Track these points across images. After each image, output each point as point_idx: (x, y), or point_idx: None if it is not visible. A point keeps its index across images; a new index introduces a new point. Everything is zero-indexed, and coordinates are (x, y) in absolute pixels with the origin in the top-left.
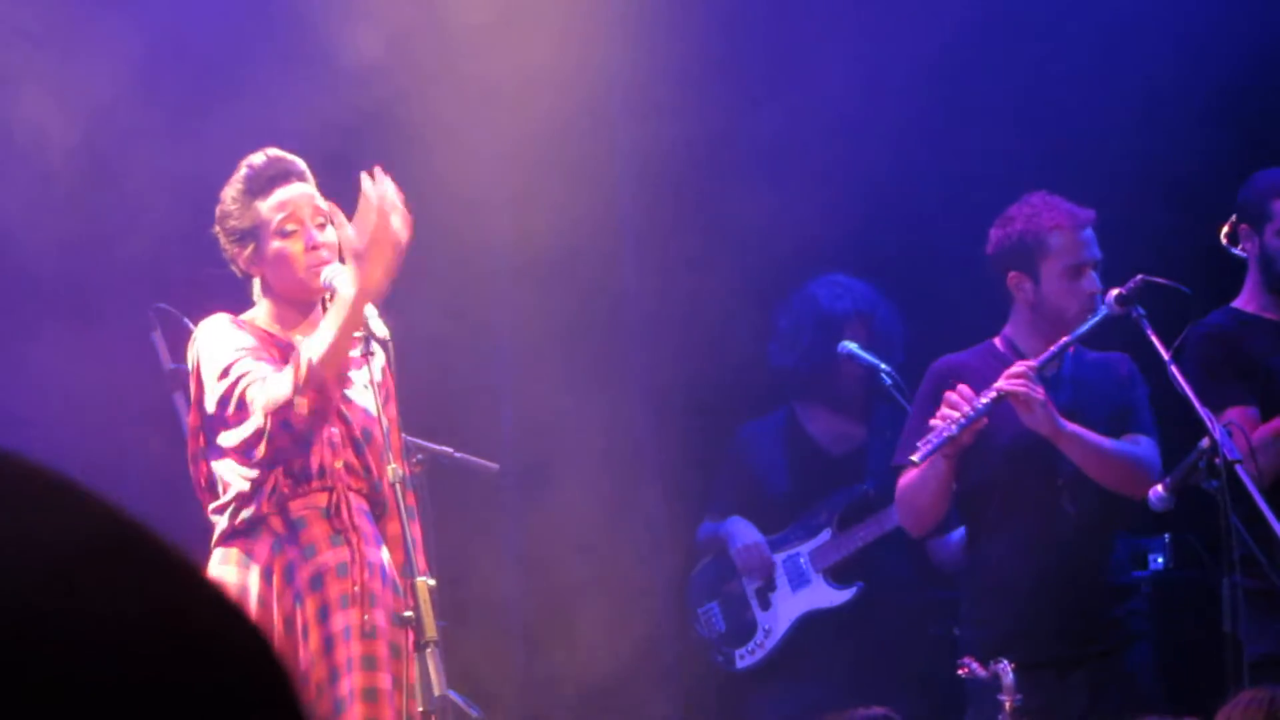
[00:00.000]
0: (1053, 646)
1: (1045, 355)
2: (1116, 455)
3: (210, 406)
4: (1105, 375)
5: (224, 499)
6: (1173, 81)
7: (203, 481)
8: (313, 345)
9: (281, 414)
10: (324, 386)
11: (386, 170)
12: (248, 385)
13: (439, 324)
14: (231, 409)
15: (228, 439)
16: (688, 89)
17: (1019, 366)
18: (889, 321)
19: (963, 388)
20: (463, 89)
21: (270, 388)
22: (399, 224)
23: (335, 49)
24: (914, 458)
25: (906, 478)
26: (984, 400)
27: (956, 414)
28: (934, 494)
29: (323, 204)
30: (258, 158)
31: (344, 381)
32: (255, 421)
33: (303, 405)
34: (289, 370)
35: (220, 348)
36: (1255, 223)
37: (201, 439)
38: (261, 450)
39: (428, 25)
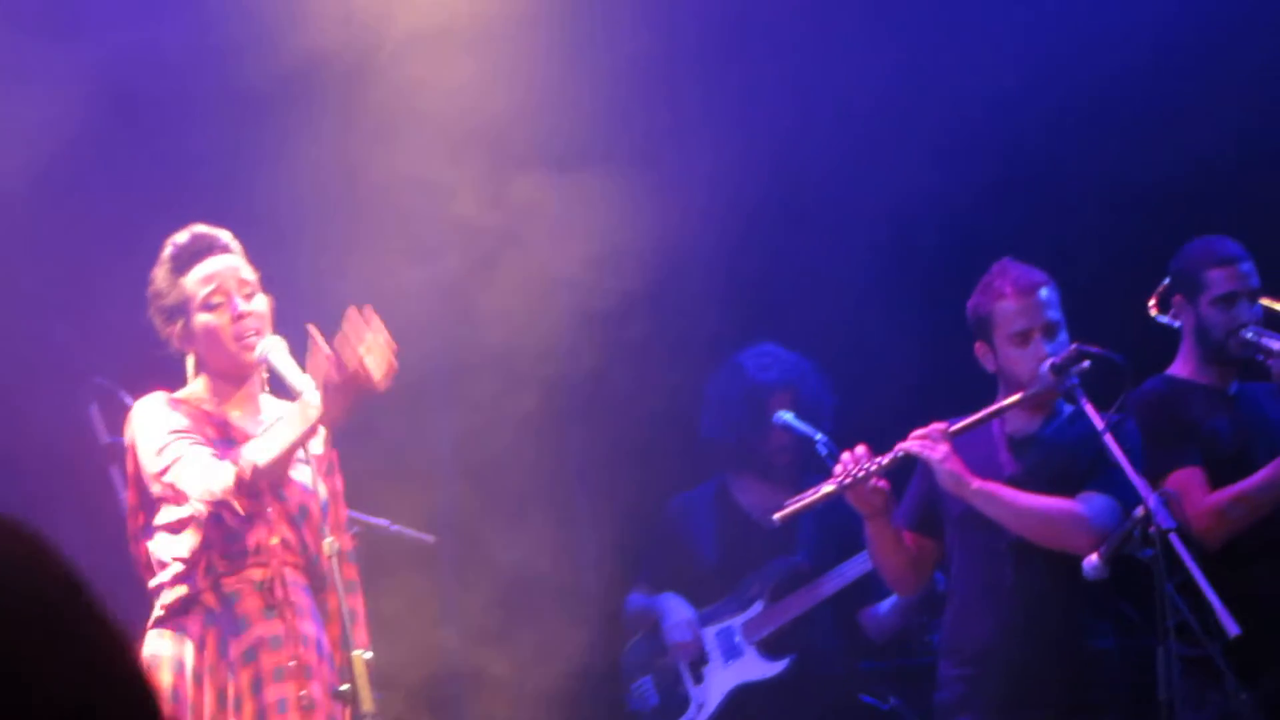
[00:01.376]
0: (991, 710)
1: (964, 421)
2: (1037, 512)
3: (146, 487)
4: (1082, 433)
5: (160, 578)
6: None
7: (142, 559)
8: (257, 451)
9: (214, 507)
10: (260, 493)
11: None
12: (182, 471)
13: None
14: (167, 493)
15: (163, 519)
16: (618, 175)
17: (928, 428)
18: (817, 391)
19: (860, 448)
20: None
21: (207, 479)
22: (377, 367)
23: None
24: (776, 516)
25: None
26: (880, 460)
27: (841, 473)
28: (882, 555)
29: (249, 274)
30: (181, 235)
31: (282, 484)
32: (189, 509)
33: (238, 505)
34: (228, 468)
35: (155, 429)
36: (1189, 292)
37: (140, 518)
38: (192, 537)
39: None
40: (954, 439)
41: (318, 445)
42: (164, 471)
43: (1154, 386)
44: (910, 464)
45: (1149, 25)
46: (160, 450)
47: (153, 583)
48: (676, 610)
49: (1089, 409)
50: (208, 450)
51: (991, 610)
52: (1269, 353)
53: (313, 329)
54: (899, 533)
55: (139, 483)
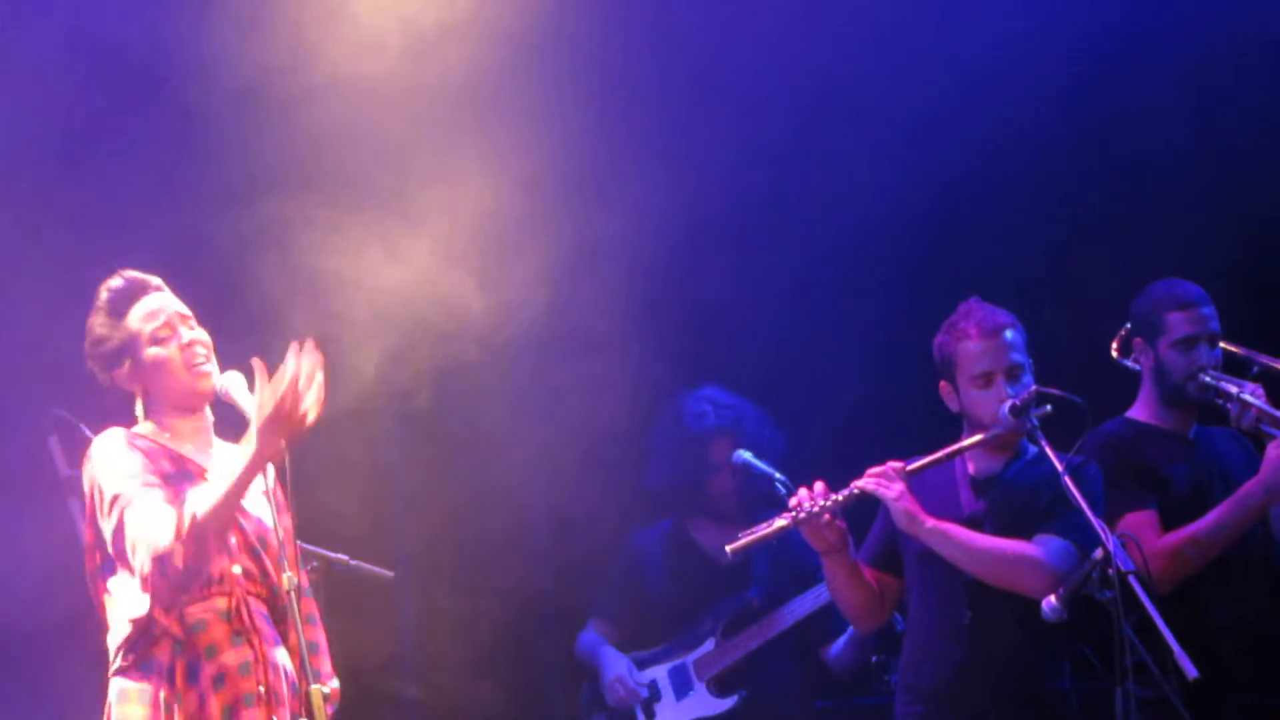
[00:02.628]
0: None
1: (921, 461)
2: (991, 552)
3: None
4: (1043, 475)
5: (119, 615)
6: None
7: (99, 597)
8: (199, 500)
9: (159, 560)
10: (204, 541)
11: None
12: (130, 525)
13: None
14: (117, 545)
15: (118, 568)
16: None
17: (884, 466)
18: (758, 432)
19: (816, 485)
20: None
21: (152, 532)
22: (312, 402)
23: None
24: (728, 548)
25: None
26: (835, 497)
27: (796, 508)
28: (842, 591)
29: (184, 309)
30: (115, 281)
31: (228, 529)
32: (137, 562)
33: (179, 556)
34: (172, 517)
35: (110, 475)
36: (1149, 335)
37: (98, 556)
38: (142, 588)
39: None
40: (911, 477)
41: (270, 481)
42: (118, 525)
43: (1113, 429)
44: (872, 502)
45: (1107, 57)
46: (113, 500)
47: (111, 618)
48: (611, 665)
49: (1049, 451)
50: (156, 498)
51: (948, 648)
52: (1227, 396)
53: (257, 362)
54: (858, 569)
55: (95, 522)
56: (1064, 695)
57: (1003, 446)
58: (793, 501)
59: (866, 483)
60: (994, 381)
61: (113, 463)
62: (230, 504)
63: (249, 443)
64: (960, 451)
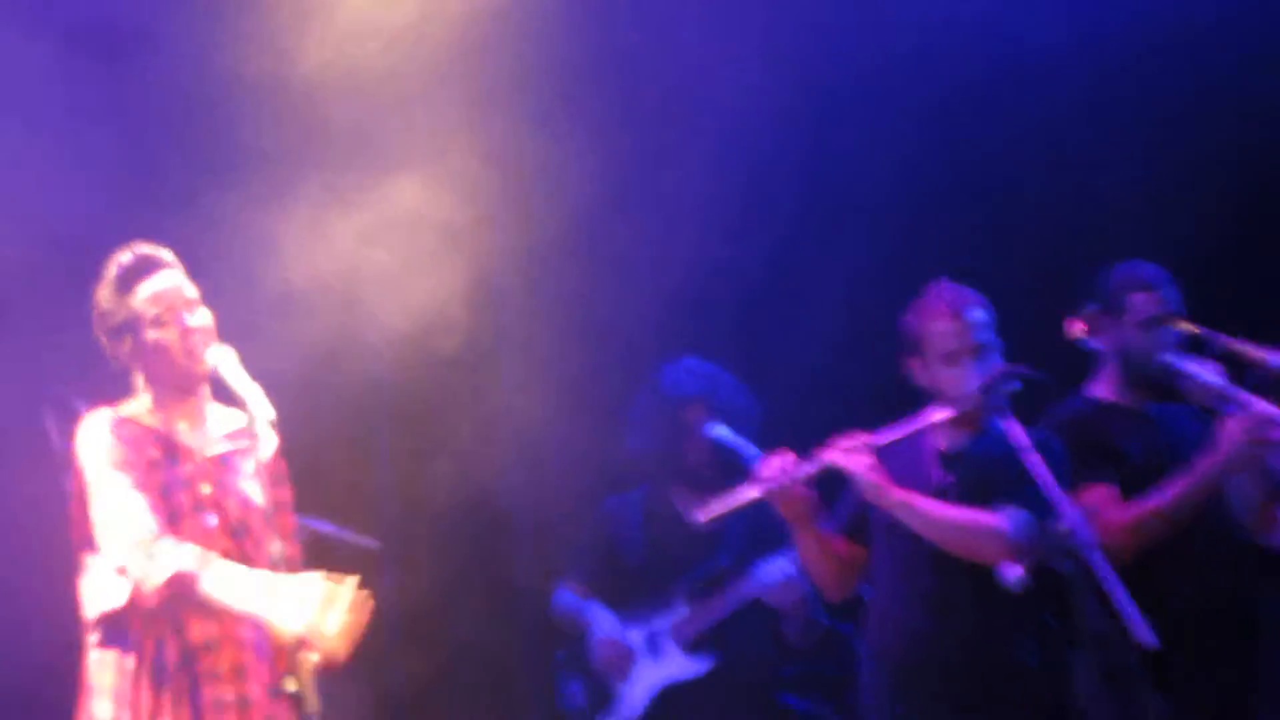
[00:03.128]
0: (909, 713)
1: (889, 434)
2: (951, 523)
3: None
4: (1009, 450)
5: (93, 589)
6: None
7: (83, 567)
8: (212, 581)
9: (132, 577)
10: (178, 595)
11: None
12: (107, 531)
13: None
14: (96, 534)
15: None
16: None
17: (852, 439)
18: (733, 400)
19: (785, 455)
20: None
21: (131, 559)
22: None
23: None
24: (700, 515)
25: None
26: (807, 467)
27: (766, 478)
28: (811, 560)
29: (192, 292)
30: (125, 256)
31: (227, 470)
32: (112, 561)
33: (153, 596)
34: (155, 565)
35: (95, 467)
36: (1113, 314)
37: (84, 528)
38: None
39: None
40: (880, 451)
41: (266, 455)
42: (95, 524)
43: (1075, 406)
44: (841, 473)
45: (1076, 49)
46: (90, 498)
47: (87, 591)
48: (602, 627)
49: (1014, 427)
50: (139, 502)
51: (914, 617)
52: (1187, 376)
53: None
54: (827, 539)
55: (82, 498)
56: (1030, 670)
57: (970, 422)
58: (763, 472)
59: (835, 455)
60: (961, 360)
61: (97, 454)
62: (217, 604)
63: (271, 597)
64: (928, 427)
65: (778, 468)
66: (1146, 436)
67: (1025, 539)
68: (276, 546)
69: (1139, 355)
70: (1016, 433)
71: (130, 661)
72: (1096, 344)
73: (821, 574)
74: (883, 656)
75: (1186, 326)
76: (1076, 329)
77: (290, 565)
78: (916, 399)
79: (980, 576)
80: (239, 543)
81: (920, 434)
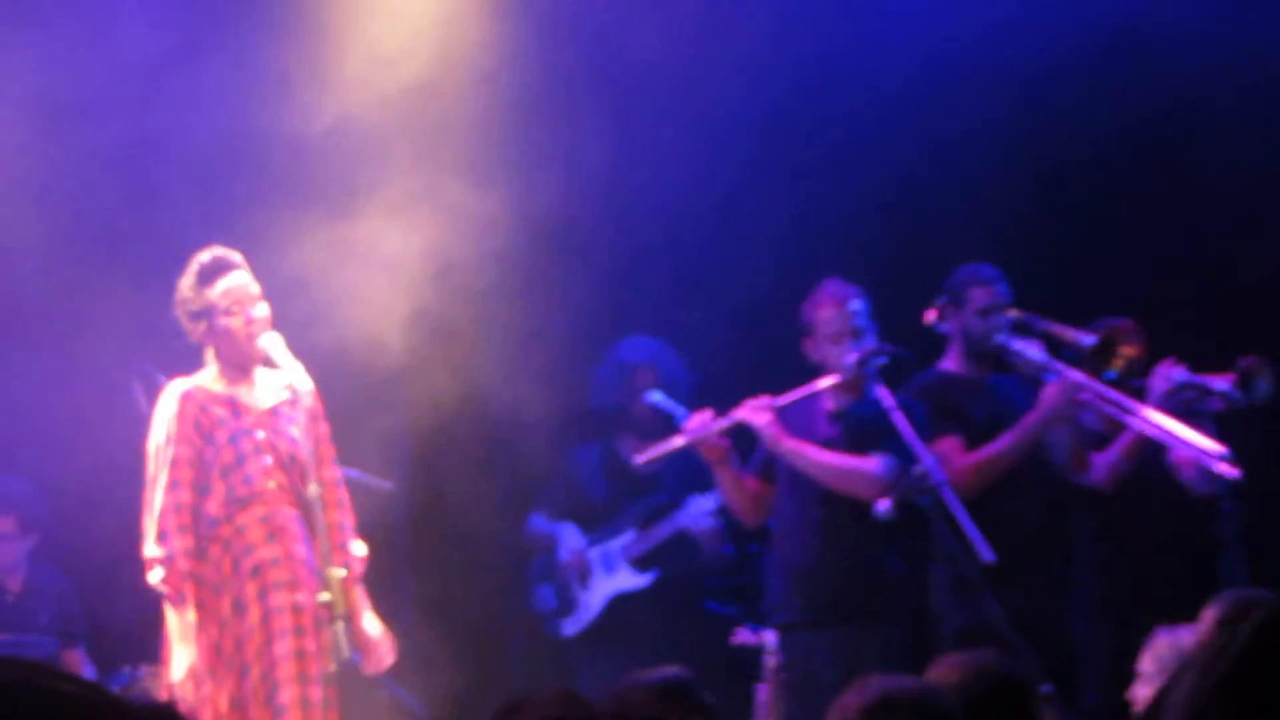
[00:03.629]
0: (803, 613)
1: (787, 397)
2: (830, 466)
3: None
4: (881, 410)
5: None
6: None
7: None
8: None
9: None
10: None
11: None
12: (152, 501)
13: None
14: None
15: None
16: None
17: (757, 399)
18: (674, 369)
19: (706, 412)
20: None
21: (150, 530)
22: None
23: None
24: (638, 459)
25: None
26: (722, 422)
27: (690, 430)
28: (730, 494)
29: (256, 289)
30: (205, 255)
31: (278, 419)
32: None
33: (156, 575)
34: (166, 555)
35: (157, 439)
36: (958, 304)
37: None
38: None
39: None
40: (780, 410)
41: (309, 398)
42: (150, 491)
43: (929, 377)
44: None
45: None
46: (153, 476)
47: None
48: (569, 539)
49: (882, 391)
50: (184, 475)
51: (807, 536)
52: (1014, 351)
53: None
54: (741, 478)
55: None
56: (896, 576)
57: (852, 388)
58: (687, 424)
59: (743, 411)
60: (842, 339)
61: (162, 426)
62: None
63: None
64: (816, 392)
65: (699, 422)
66: (985, 400)
67: (890, 479)
68: (314, 489)
69: (978, 337)
70: (886, 397)
71: (211, 574)
72: (946, 328)
73: (738, 505)
74: (784, 567)
75: (1015, 313)
76: (930, 317)
77: (329, 492)
78: (810, 371)
79: (857, 507)
80: (289, 474)
81: (813, 397)
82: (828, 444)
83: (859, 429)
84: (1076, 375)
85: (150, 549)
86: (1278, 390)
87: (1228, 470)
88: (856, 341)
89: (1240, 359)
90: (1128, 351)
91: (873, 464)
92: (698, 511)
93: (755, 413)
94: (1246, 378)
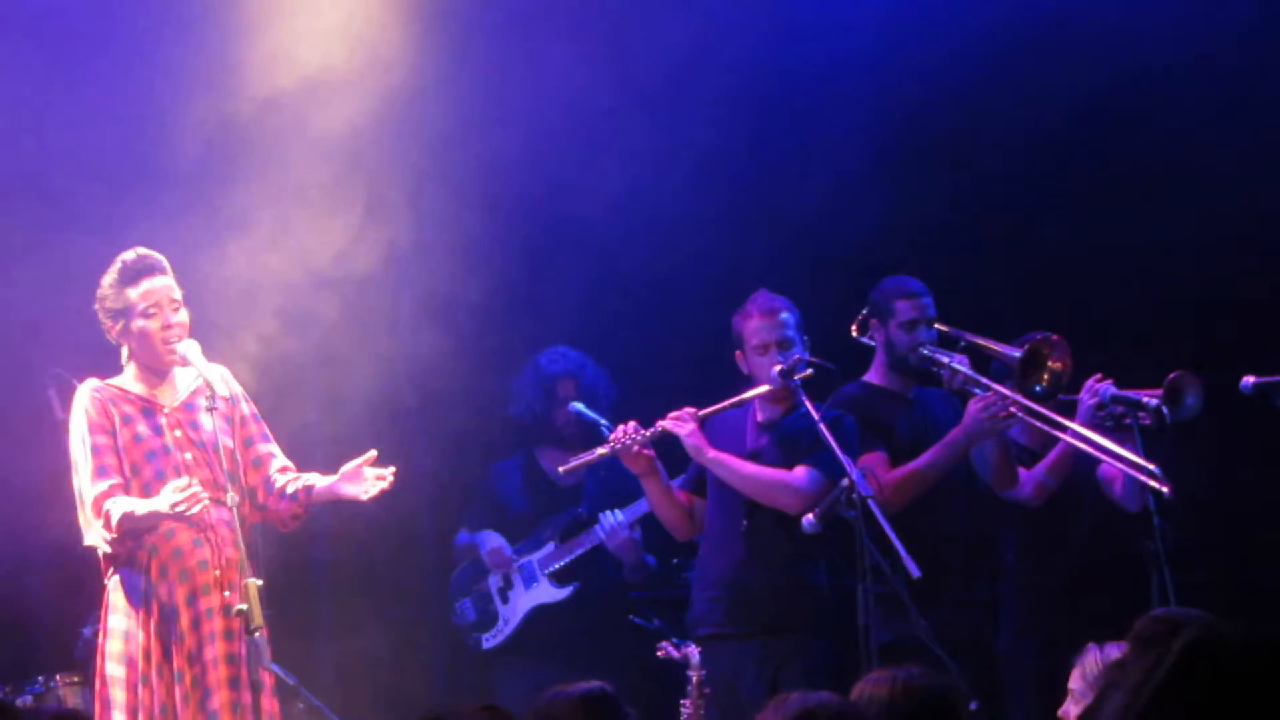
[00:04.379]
0: (727, 625)
1: (711, 408)
2: (753, 477)
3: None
4: (808, 423)
5: (94, 534)
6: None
7: (78, 516)
8: (126, 505)
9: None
10: (124, 531)
11: None
12: (82, 492)
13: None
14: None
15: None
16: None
17: (680, 410)
18: (595, 379)
19: (631, 423)
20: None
21: (83, 518)
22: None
23: None
24: (561, 469)
25: None
26: (645, 432)
27: (614, 440)
28: (658, 506)
29: (177, 294)
30: (129, 255)
31: (193, 414)
32: (82, 513)
33: (103, 545)
34: (99, 520)
35: (75, 436)
36: (883, 317)
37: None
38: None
39: None
40: (708, 421)
41: (223, 387)
42: (78, 490)
43: (852, 390)
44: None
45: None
46: (77, 468)
47: (89, 533)
48: (491, 539)
49: (807, 403)
50: (108, 462)
51: (732, 548)
52: (940, 365)
53: (371, 455)
54: (670, 489)
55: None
56: (819, 588)
57: (781, 400)
58: (611, 435)
59: (667, 422)
60: (769, 351)
61: (79, 425)
62: (155, 520)
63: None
64: (742, 402)
65: (623, 432)
66: (907, 415)
67: (811, 490)
68: (232, 498)
69: (904, 350)
70: (813, 410)
71: (141, 583)
72: (870, 341)
73: (669, 518)
74: (708, 578)
75: (941, 327)
76: (856, 329)
77: (241, 507)
78: (738, 381)
79: (780, 517)
80: (212, 470)
81: (745, 409)
82: (756, 455)
83: (788, 441)
84: (1001, 390)
85: (91, 536)
86: (1205, 406)
87: (1158, 485)
88: (783, 354)
89: (1168, 374)
90: (1055, 365)
91: (797, 476)
92: (610, 526)
93: (678, 423)
94: (1174, 393)
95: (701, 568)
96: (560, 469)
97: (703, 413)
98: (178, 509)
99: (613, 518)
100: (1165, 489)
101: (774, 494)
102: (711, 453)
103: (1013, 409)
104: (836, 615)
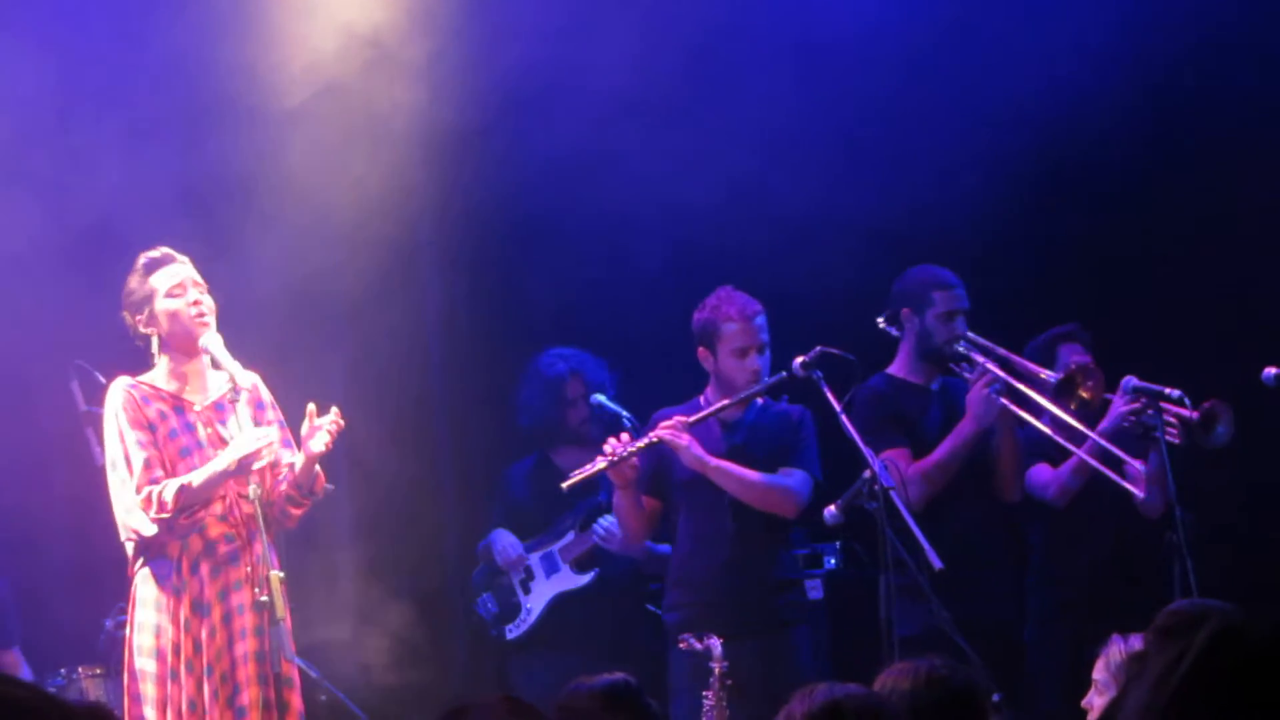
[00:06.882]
0: (717, 626)
1: (699, 414)
2: (756, 483)
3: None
4: (778, 422)
5: (130, 523)
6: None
7: (115, 506)
8: (193, 475)
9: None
10: (191, 503)
11: None
12: (122, 492)
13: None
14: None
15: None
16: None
17: (672, 419)
18: (596, 371)
19: (623, 435)
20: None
21: (124, 507)
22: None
23: None
24: (563, 485)
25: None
26: (639, 443)
27: (610, 453)
28: (625, 515)
29: (200, 280)
30: (153, 252)
31: (221, 414)
32: (117, 505)
33: (148, 526)
34: (139, 502)
35: (111, 434)
36: (917, 307)
37: (111, 475)
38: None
39: None
40: (691, 428)
41: (252, 391)
42: (118, 482)
43: (877, 383)
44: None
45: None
46: (113, 462)
47: (124, 524)
48: (502, 539)
49: (830, 396)
50: (146, 455)
51: (716, 550)
52: (974, 362)
53: (311, 408)
54: (640, 499)
55: (106, 448)
56: (796, 583)
57: (746, 401)
58: (607, 448)
59: (662, 433)
60: (748, 354)
61: (114, 421)
62: (215, 486)
63: (238, 448)
64: (728, 407)
65: (619, 445)
66: (933, 407)
67: (806, 494)
68: (254, 489)
69: (939, 340)
70: (787, 408)
71: (173, 578)
72: (897, 332)
73: (633, 526)
74: (688, 581)
75: (976, 337)
76: (884, 319)
77: (269, 493)
78: (700, 380)
79: (769, 520)
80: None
81: (716, 411)
82: (730, 455)
83: (759, 439)
84: (995, 369)
85: (134, 522)
86: (1234, 435)
87: (1137, 492)
88: (761, 357)
89: (1205, 402)
90: (1085, 395)
91: (793, 480)
92: (604, 530)
93: (675, 435)
94: (1209, 421)
95: (680, 571)
96: (562, 485)
97: (691, 420)
98: (260, 440)
99: (606, 522)
100: (1141, 493)
101: (773, 499)
102: (714, 462)
103: (998, 385)
104: (813, 607)
